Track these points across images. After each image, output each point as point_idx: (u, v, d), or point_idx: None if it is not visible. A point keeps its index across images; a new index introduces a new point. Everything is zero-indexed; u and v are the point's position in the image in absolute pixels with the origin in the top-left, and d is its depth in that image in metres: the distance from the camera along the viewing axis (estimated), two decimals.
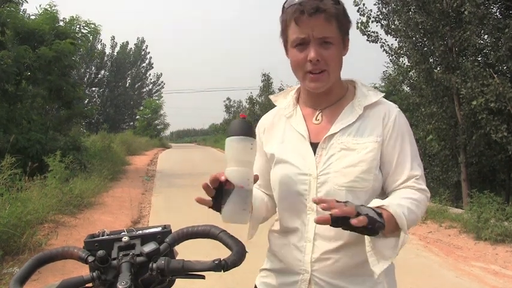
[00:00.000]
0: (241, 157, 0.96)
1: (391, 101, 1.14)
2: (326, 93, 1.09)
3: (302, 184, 1.06)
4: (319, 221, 0.88)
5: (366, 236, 0.95)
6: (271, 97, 1.24)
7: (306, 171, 1.06)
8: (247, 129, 0.97)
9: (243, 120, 0.98)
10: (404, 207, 0.96)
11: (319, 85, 1.05)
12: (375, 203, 0.96)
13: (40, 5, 9.14)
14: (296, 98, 1.17)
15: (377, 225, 0.89)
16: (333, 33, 1.01)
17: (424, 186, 1.06)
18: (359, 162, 1.03)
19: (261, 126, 1.21)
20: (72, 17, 9.49)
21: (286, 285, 1.10)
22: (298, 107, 1.16)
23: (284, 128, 1.15)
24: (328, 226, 0.99)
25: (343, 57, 1.09)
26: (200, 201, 0.98)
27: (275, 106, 1.24)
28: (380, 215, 0.90)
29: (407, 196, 1.02)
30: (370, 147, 1.04)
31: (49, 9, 9.06)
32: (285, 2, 1.05)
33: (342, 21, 1.02)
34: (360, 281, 1.04)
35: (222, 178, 0.94)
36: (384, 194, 1.09)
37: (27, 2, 8.92)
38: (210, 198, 0.97)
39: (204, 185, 0.95)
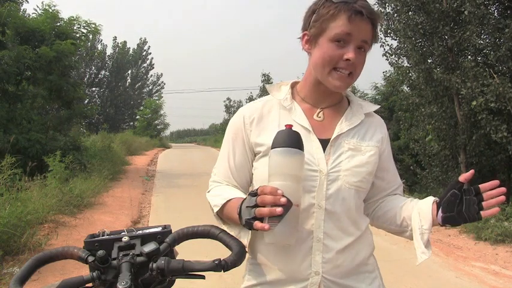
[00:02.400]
0: (296, 172, 0.89)
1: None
2: (331, 94, 1.11)
3: (311, 180, 1.02)
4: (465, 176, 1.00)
5: (418, 224, 1.04)
6: (267, 86, 1.16)
7: (316, 167, 1.02)
8: (300, 141, 0.91)
9: (294, 131, 0.91)
10: None
11: (344, 85, 1.05)
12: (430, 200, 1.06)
13: (42, 2, 9.14)
14: (293, 93, 1.14)
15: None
16: (370, 42, 1.05)
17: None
18: (365, 164, 1.07)
19: (247, 117, 1.11)
20: (72, 16, 9.49)
21: (310, 283, 1.02)
22: (295, 102, 1.12)
23: (279, 119, 1.09)
24: (336, 223, 1.02)
25: None
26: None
27: None
28: None
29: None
30: (373, 151, 1.09)
31: (49, 9, 9.05)
32: None
33: (376, 32, 1.07)
34: (361, 278, 1.07)
35: (279, 192, 0.85)
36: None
37: (27, 1, 8.92)
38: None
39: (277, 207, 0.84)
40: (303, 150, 0.91)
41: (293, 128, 0.99)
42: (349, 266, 1.04)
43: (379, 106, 1.19)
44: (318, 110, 1.11)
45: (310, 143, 1.05)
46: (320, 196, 1.02)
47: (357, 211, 1.06)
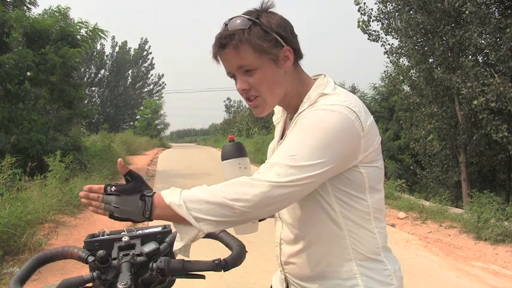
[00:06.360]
0: (235, 176, 1.03)
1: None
2: (286, 106, 1.09)
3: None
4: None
5: None
6: None
7: None
8: (236, 151, 1.05)
9: (232, 143, 1.06)
10: (190, 198, 0.88)
11: (259, 110, 1.04)
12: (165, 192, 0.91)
13: (58, 5, 9.23)
14: None
15: (130, 215, 0.88)
16: (249, 60, 0.97)
17: (270, 176, 0.87)
18: None
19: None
20: (80, 19, 9.56)
21: (280, 280, 1.18)
22: (285, 114, 1.18)
23: (277, 131, 1.21)
24: (288, 230, 1.07)
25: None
26: None
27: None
28: (147, 200, 0.88)
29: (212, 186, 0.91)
30: None
31: (60, 11, 9.13)
32: None
33: (256, 44, 0.96)
34: (330, 284, 1.03)
35: None
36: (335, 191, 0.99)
37: (38, 5, 9.03)
38: None
39: None
40: (242, 156, 1.06)
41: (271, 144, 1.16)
42: (307, 270, 1.04)
43: (316, 98, 1.00)
44: (290, 123, 1.11)
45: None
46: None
47: (308, 218, 1.02)
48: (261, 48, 0.96)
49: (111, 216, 0.89)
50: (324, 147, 0.89)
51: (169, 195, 0.88)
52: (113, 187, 0.89)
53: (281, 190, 0.87)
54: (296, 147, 0.90)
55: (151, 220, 0.90)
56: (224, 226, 0.90)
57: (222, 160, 1.06)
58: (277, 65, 0.99)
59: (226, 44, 0.96)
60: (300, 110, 1.01)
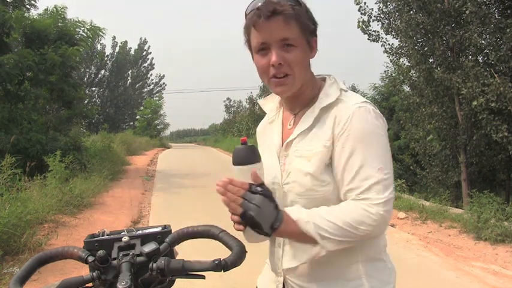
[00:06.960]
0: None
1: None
2: (296, 97, 1.06)
3: (274, 192, 1.04)
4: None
5: None
6: (259, 101, 1.23)
7: (275, 180, 1.06)
8: (251, 155, 0.95)
9: (246, 147, 0.96)
10: (316, 216, 0.92)
11: (284, 89, 1.02)
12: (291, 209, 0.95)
13: (55, 5, 9.27)
14: (280, 101, 1.16)
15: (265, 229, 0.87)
16: (294, 35, 0.97)
17: (375, 197, 0.92)
18: (307, 173, 1.00)
19: (257, 134, 1.24)
20: (77, 17, 9.60)
21: (272, 282, 1.14)
22: (282, 110, 1.15)
23: (271, 134, 1.15)
24: None
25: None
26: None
27: None
28: (278, 217, 0.90)
29: (337, 208, 0.95)
30: (318, 155, 0.99)
31: (58, 11, 9.16)
32: (247, 9, 1.02)
33: (304, 23, 0.99)
34: (336, 285, 1.02)
35: None
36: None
37: (37, 8, 9.07)
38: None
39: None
40: (253, 162, 0.95)
41: (271, 142, 1.13)
42: (313, 271, 1.03)
43: (347, 91, 1.03)
44: (291, 117, 1.10)
45: (272, 155, 1.10)
46: (281, 207, 1.03)
47: None
48: (306, 28, 1.00)
49: (243, 215, 0.86)
50: (386, 148, 0.98)
51: (298, 212, 0.92)
52: (258, 187, 0.88)
53: (389, 204, 0.93)
54: (377, 158, 0.95)
55: (270, 235, 0.90)
56: (344, 245, 0.93)
57: (236, 165, 0.95)
58: (309, 50, 1.03)
59: (280, 12, 0.95)
60: (319, 104, 1.02)
